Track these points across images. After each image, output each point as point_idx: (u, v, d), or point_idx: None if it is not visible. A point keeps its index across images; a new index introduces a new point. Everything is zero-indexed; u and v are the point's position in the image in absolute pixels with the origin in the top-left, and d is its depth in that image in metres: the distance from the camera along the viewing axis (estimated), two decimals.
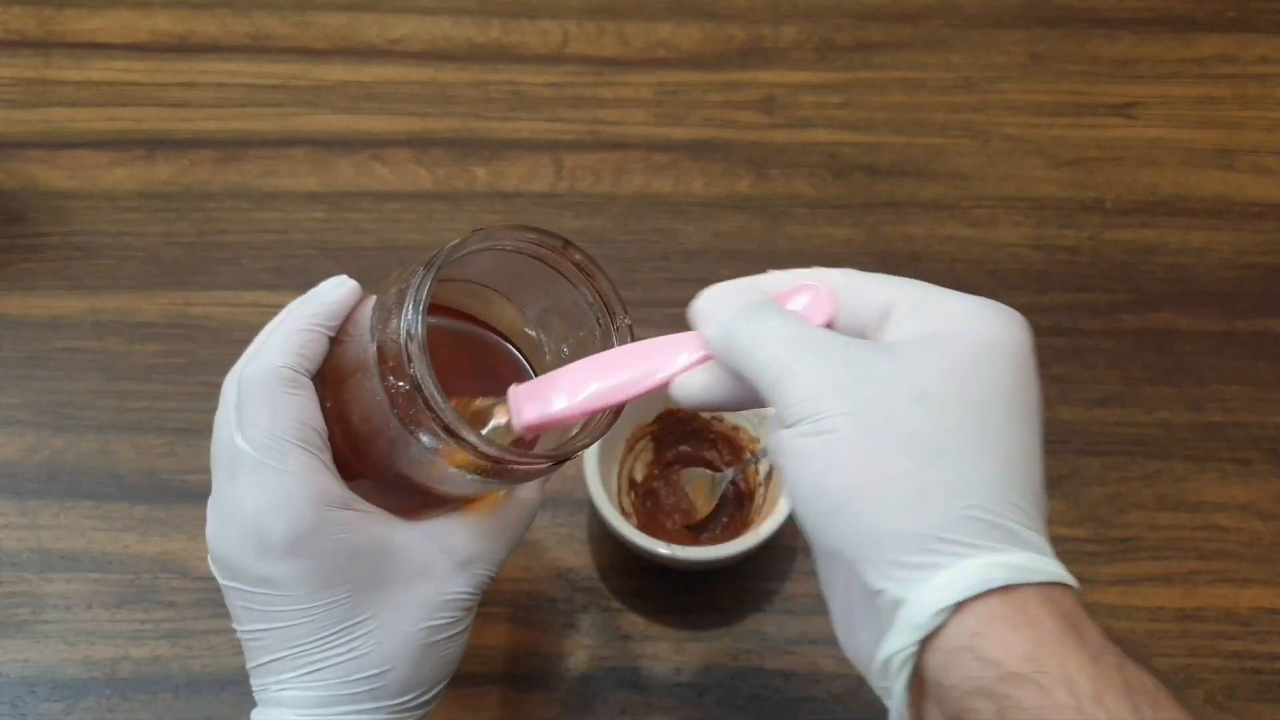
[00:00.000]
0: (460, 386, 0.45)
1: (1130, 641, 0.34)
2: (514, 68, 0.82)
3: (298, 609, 0.43)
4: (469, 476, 0.43)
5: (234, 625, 0.45)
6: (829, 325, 0.39)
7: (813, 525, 0.36)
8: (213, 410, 0.66)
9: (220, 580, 0.45)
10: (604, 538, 0.64)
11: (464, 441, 0.40)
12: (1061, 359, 0.71)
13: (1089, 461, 0.67)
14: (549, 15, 0.84)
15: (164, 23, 0.82)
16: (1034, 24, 0.85)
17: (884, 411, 0.35)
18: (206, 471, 0.65)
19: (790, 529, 0.64)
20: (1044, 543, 0.35)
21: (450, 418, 0.40)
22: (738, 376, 0.39)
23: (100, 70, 0.80)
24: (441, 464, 0.42)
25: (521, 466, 0.42)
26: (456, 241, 0.42)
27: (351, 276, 0.48)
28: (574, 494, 0.65)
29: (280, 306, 0.73)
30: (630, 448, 0.64)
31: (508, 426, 0.43)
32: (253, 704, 0.59)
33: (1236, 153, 0.80)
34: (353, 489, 0.44)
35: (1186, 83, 0.83)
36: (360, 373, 0.43)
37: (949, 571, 0.34)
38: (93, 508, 0.64)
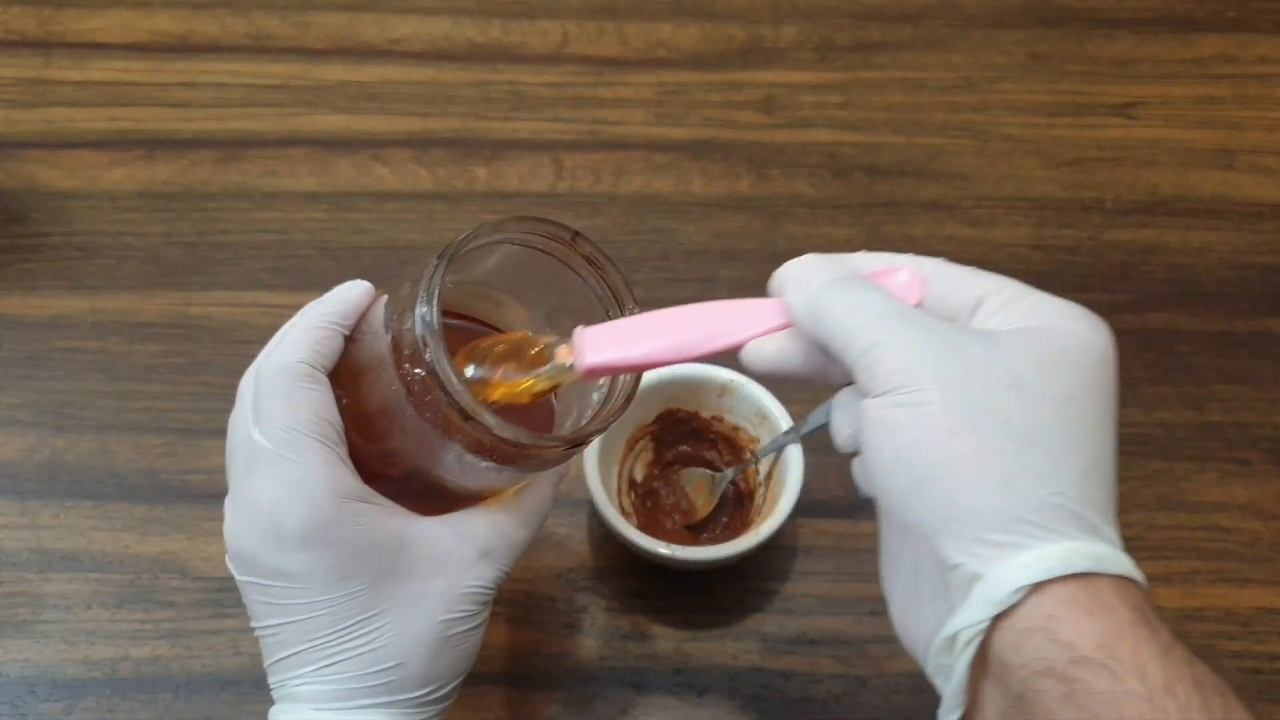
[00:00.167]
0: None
1: (1204, 646, 0.34)
2: (514, 68, 0.82)
3: (315, 601, 0.43)
4: (484, 465, 0.43)
5: (251, 622, 0.45)
6: (918, 307, 0.39)
7: (893, 496, 0.37)
8: (212, 410, 0.67)
9: (238, 576, 0.45)
10: (604, 538, 0.64)
11: (481, 424, 0.41)
12: None
13: None
14: (549, 15, 0.84)
15: (164, 23, 0.82)
16: (1034, 24, 0.85)
17: (979, 392, 0.36)
18: (206, 471, 0.65)
19: (790, 529, 0.64)
20: (1118, 538, 0.36)
21: (467, 401, 0.40)
22: (816, 347, 0.40)
23: (100, 70, 0.80)
24: (458, 453, 0.43)
25: (536, 450, 0.42)
26: (469, 233, 0.42)
27: (352, 276, 0.48)
28: (574, 494, 0.65)
29: (280, 306, 0.74)
30: (630, 448, 0.64)
31: (570, 368, 0.43)
32: (253, 704, 0.59)
33: (1236, 153, 0.80)
34: None
35: (1186, 83, 0.83)
36: (376, 367, 0.44)
37: (1031, 553, 0.34)
38: (93, 508, 0.64)
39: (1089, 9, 0.86)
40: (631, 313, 0.45)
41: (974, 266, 0.41)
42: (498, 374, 0.44)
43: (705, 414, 0.65)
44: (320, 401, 0.44)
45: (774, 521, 0.58)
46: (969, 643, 0.35)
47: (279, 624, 0.44)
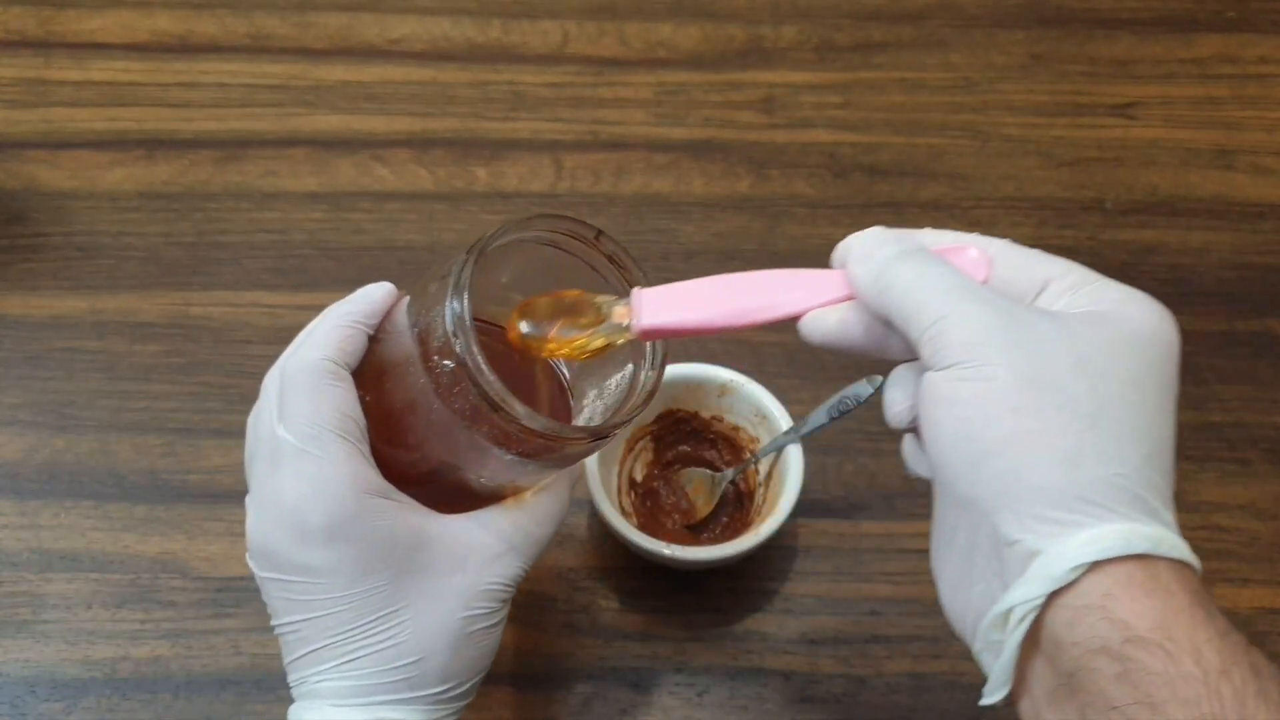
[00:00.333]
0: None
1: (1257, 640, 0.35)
2: (514, 68, 0.82)
3: (337, 596, 0.43)
4: (508, 459, 0.43)
5: (271, 620, 0.45)
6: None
7: (953, 471, 0.37)
8: (212, 410, 0.67)
9: (259, 574, 0.45)
10: (604, 538, 0.64)
11: (510, 414, 0.41)
12: None
13: None
14: (549, 15, 0.84)
15: (164, 23, 0.83)
16: (1034, 24, 0.85)
17: (1045, 370, 0.36)
18: (206, 471, 0.65)
19: (790, 529, 0.64)
20: (1175, 524, 0.36)
21: (498, 390, 0.41)
22: (877, 321, 0.40)
23: (100, 70, 0.80)
24: (483, 446, 0.43)
25: (562, 442, 0.43)
26: (497, 229, 0.43)
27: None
28: (574, 494, 0.65)
29: (280, 306, 0.74)
30: (630, 448, 0.64)
31: (626, 328, 0.43)
32: (253, 704, 0.59)
33: (1236, 153, 0.80)
34: None
35: (1186, 83, 0.83)
36: (401, 364, 0.44)
37: (1091, 531, 0.34)
38: (93, 508, 0.64)
39: (1089, 9, 0.86)
40: None
41: (1039, 249, 0.41)
42: (553, 330, 0.44)
43: (705, 414, 0.65)
44: (345, 398, 0.44)
45: (774, 521, 0.58)
46: (1023, 619, 0.35)
47: (300, 620, 0.44)
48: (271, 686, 0.59)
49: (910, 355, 0.40)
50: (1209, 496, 0.67)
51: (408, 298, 0.46)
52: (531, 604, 0.62)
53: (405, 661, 0.44)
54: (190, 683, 0.59)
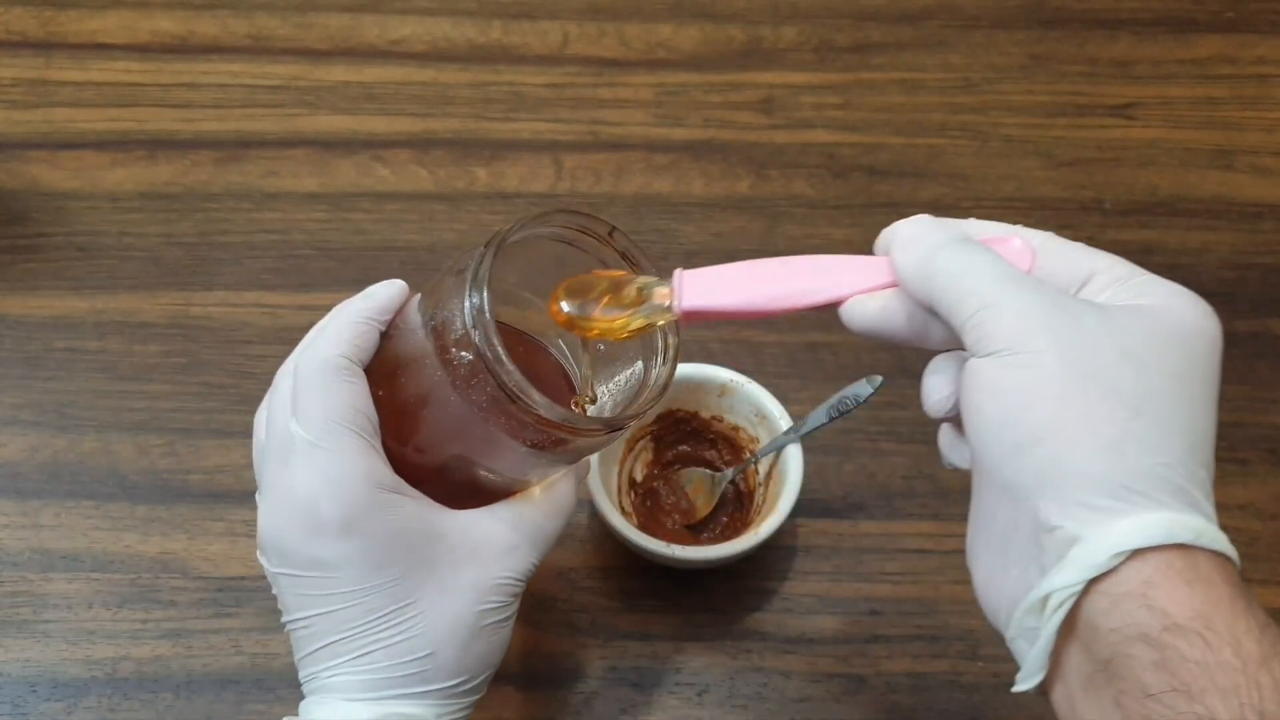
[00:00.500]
0: None
1: None
2: (514, 69, 0.82)
3: (350, 590, 0.43)
4: (522, 452, 0.44)
5: (283, 616, 0.46)
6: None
7: (996, 456, 0.37)
8: (213, 410, 0.67)
9: (270, 569, 0.45)
10: (604, 538, 0.64)
11: (529, 405, 0.41)
12: None
13: None
14: (549, 16, 0.84)
15: (165, 23, 0.83)
16: (1033, 25, 0.85)
17: (1091, 358, 0.36)
18: (207, 471, 0.65)
19: (790, 528, 0.64)
20: (1215, 516, 0.36)
21: (518, 381, 0.41)
22: (920, 308, 0.40)
23: (101, 71, 0.80)
24: (498, 439, 0.43)
25: (578, 433, 0.43)
26: (514, 224, 0.43)
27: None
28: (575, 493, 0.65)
29: (281, 306, 0.74)
30: (630, 447, 0.65)
31: (667, 309, 0.43)
32: (254, 704, 0.59)
33: (1235, 153, 0.80)
34: None
35: (1185, 83, 0.83)
36: (415, 359, 0.44)
37: (1133, 519, 0.34)
38: (94, 507, 0.64)
39: (1088, 10, 0.86)
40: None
41: (1082, 243, 0.41)
42: (596, 310, 0.44)
43: (705, 414, 0.65)
44: (358, 394, 0.44)
45: (774, 521, 0.59)
46: (1061, 604, 0.35)
47: (313, 615, 0.44)
48: (272, 686, 0.59)
49: (950, 345, 0.40)
50: None
51: (419, 295, 0.46)
52: (531, 604, 0.62)
53: (418, 655, 0.44)
54: (191, 682, 0.59)
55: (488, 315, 0.41)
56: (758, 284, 0.42)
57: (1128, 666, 0.34)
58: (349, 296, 0.47)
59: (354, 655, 0.44)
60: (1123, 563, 0.34)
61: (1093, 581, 0.35)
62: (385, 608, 0.44)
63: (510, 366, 0.41)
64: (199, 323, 0.71)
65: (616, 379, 0.49)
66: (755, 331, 0.71)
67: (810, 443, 0.62)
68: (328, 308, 0.47)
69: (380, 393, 0.45)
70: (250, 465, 0.48)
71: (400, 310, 0.47)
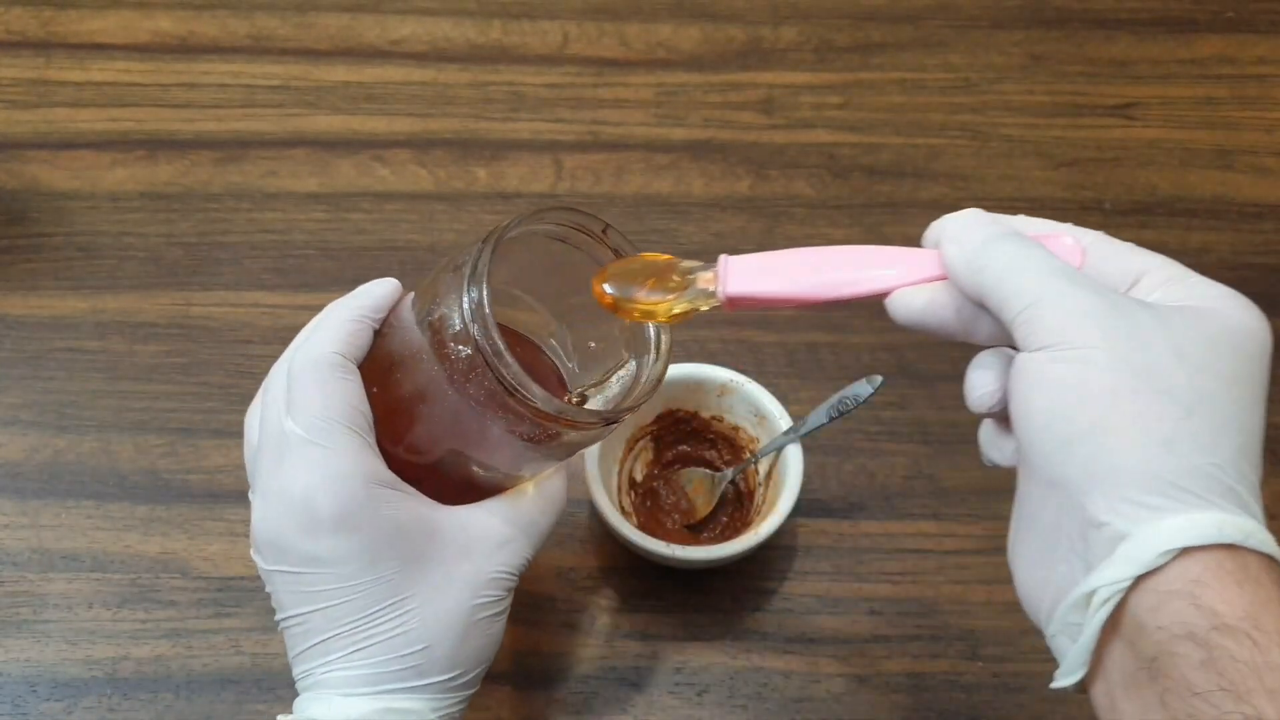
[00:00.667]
0: None
1: None
2: (514, 69, 0.82)
3: (346, 586, 0.44)
4: (518, 446, 0.44)
5: (277, 614, 0.46)
6: None
7: (1044, 451, 0.37)
8: (213, 410, 0.67)
9: (265, 568, 0.45)
10: (604, 538, 0.64)
11: (527, 398, 0.42)
12: None
13: None
14: (549, 16, 0.84)
15: (165, 24, 0.83)
16: (1033, 25, 0.85)
17: (1144, 356, 0.36)
18: (207, 471, 0.65)
19: (789, 528, 0.64)
20: (1263, 518, 0.36)
21: (516, 373, 0.41)
22: (968, 303, 0.40)
23: (101, 71, 0.80)
24: (494, 433, 0.44)
25: (574, 425, 0.44)
26: (511, 220, 0.44)
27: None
28: (574, 494, 0.65)
29: (281, 307, 0.74)
30: (630, 448, 0.65)
31: (711, 294, 0.43)
32: (254, 703, 0.59)
33: (1235, 153, 0.80)
34: None
35: (1185, 83, 0.83)
36: (410, 356, 0.45)
37: (1182, 518, 0.34)
38: (94, 507, 0.64)
39: (1088, 10, 0.86)
40: None
41: (1132, 243, 0.41)
42: (639, 293, 0.44)
43: (705, 414, 0.65)
44: (353, 391, 0.45)
45: (773, 521, 0.59)
46: (1106, 601, 0.35)
47: (308, 611, 0.44)
48: (272, 686, 0.59)
49: (996, 341, 0.40)
50: None
51: (412, 293, 0.46)
52: (531, 604, 0.62)
53: (413, 650, 0.44)
54: (191, 682, 0.59)
55: (487, 309, 0.41)
56: (804, 271, 0.42)
57: (1174, 665, 0.34)
58: (351, 292, 0.48)
59: (349, 650, 0.44)
60: (1171, 561, 0.34)
61: (1140, 578, 0.34)
62: (381, 603, 0.44)
63: (510, 359, 0.41)
64: (199, 323, 0.71)
65: (608, 376, 0.50)
66: (755, 331, 0.71)
67: (810, 443, 0.62)
68: (330, 304, 0.48)
69: (375, 390, 0.46)
70: None
71: (394, 308, 0.47)
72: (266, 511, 0.45)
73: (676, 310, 0.44)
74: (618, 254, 0.46)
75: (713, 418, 0.65)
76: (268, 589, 0.46)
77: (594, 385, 0.50)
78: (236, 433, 0.66)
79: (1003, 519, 0.65)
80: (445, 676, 0.45)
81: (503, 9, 0.84)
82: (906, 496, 0.66)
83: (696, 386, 0.64)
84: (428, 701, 0.45)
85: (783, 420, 0.62)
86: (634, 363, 0.48)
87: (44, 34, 0.82)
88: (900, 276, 0.41)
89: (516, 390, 0.42)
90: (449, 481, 0.47)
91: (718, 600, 0.63)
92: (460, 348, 0.42)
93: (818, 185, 0.77)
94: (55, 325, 0.70)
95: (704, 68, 0.82)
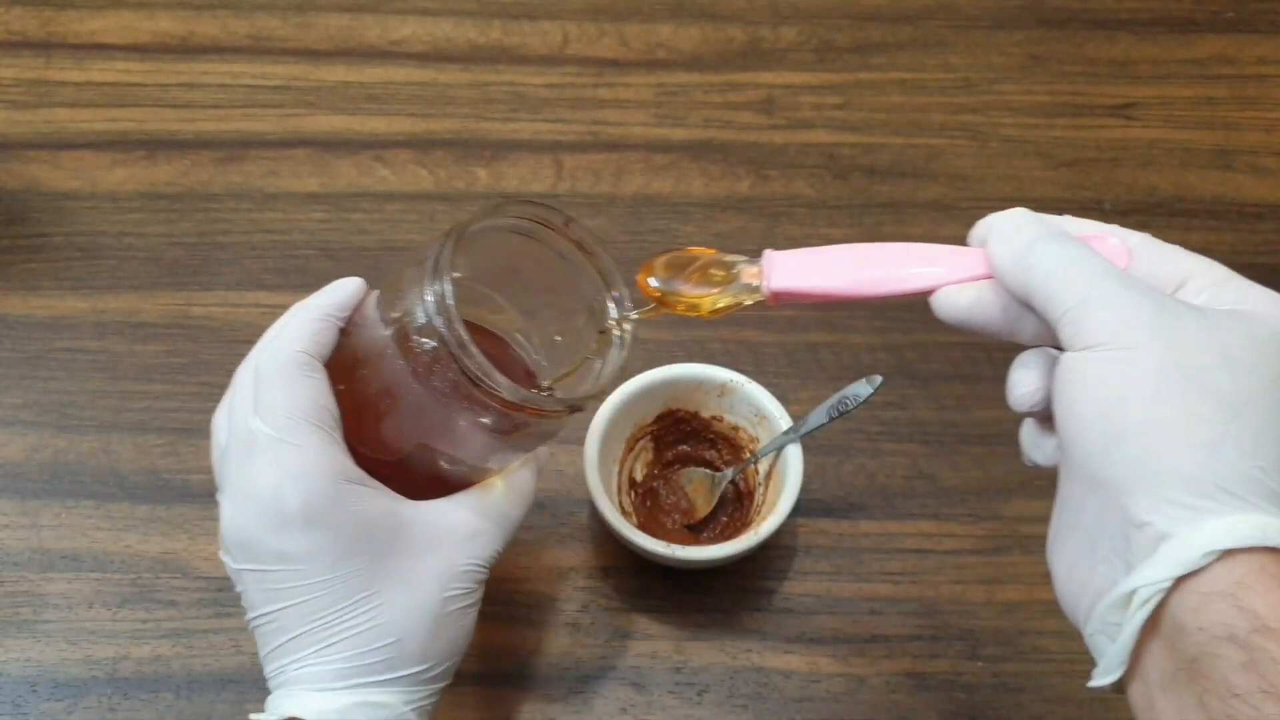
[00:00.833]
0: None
1: None
2: (514, 69, 0.82)
3: (316, 581, 0.44)
4: (484, 437, 0.45)
5: (248, 614, 0.46)
6: None
7: (1087, 450, 0.37)
8: (213, 410, 0.67)
9: (234, 567, 0.46)
10: (604, 537, 0.64)
11: (492, 388, 0.42)
12: None
13: None
14: (549, 17, 0.84)
15: (165, 24, 0.83)
16: (1033, 25, 0.85)
17: (1190, 357, 0.36)
18: (208, 471, 0.65)
19: (789, 528, 0.64)
20: None
21: (481, 364, 0.42)
22: (1013, 302, 0.40)
23: (102, 71, 0.80)
24: (460, 424, 0.44)
25: (541, 414, 0.44)
26: (473, 215, 0.44)
27: (354, 276, 0.49)
28: (574, 494, 0.65)
29: (282, 307, 0.73)
30: (630, 447, 0.65)
31: (755, 288, 0.43)
32: (254, 703, 0.58)
33: (1235, 153, 0.80)
34: None
35: (1185, 83, 0.83)
36: (376, 352, 0.45)
37: (1226, 519, 0.34)
38: (94, 507, 0.64)
39: (1088, 10, 0.86)
40: (622, 292, 0.47)
41: (1178, 245, 0.41)
42: (684, 286, 0.44)
43: (705, 414, 0.65)
44: (319, 389, 0.45)
45: (773, 521, 0.59)
46: (1146, 601, 0.35)
47: (278, 609, 0.44)
48: None
49: (1040, 340, 0.40)
50: None
51: (377, 291, 0.47)
52: (532, 604, 0.62)
53: (384, 643, 0.45)
54: (191, 682, 0.59)
55: (450, 301, 0.42)
56: (849, 268, 0.42)
57: (1214, 666, 0.34)
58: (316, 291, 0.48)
59: (321, 646, 0.44)
60: (1213, 562, 0.34)
61: (1181, 579, 0.34)
62: (351, 597, 0.44)
63: (474, 350, 0.42)
64: (199, 323, 0.71)
65: (575, 369, 0.50)
66: (755, 331, 0.71)
67: (810, 442, 0.62)
68: (295, 304, 0.48)
69: (341, 388, 0.46)
70: None
71: (359, 307, 0.48)
72: (235, 510, 0.45)
73: (721, 304, 0.44)
74: (580, 246, 0.47)
75: (713, 418, 0.65)
76: (237, 589, 0.46)
77: (562, 377, 0.50)
78: None
79: (1003, 519, 0.65)
80: (417, 669, 0.46)
81: (503, 9, 0.84)
82: (906, 496, 0.66)
83: (696, 386, 0.64)
84: (400, 694, 0.45)
85: (783, 420, 0.62)
86: (599, 353, 0.48)
87: (44, 34, 0.82)
88: (946, 274, 0.41)
89: (481, 380, 0.42)
90: (418, 477, 0.47)
91: (718, 600, 0.63)
92: (424, 341, 0.43)
93: (818, 185, 0.78)
94: (56, 325, 0.70)
95: (704, 68, 0.82)
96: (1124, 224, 0.76)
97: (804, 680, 0.61)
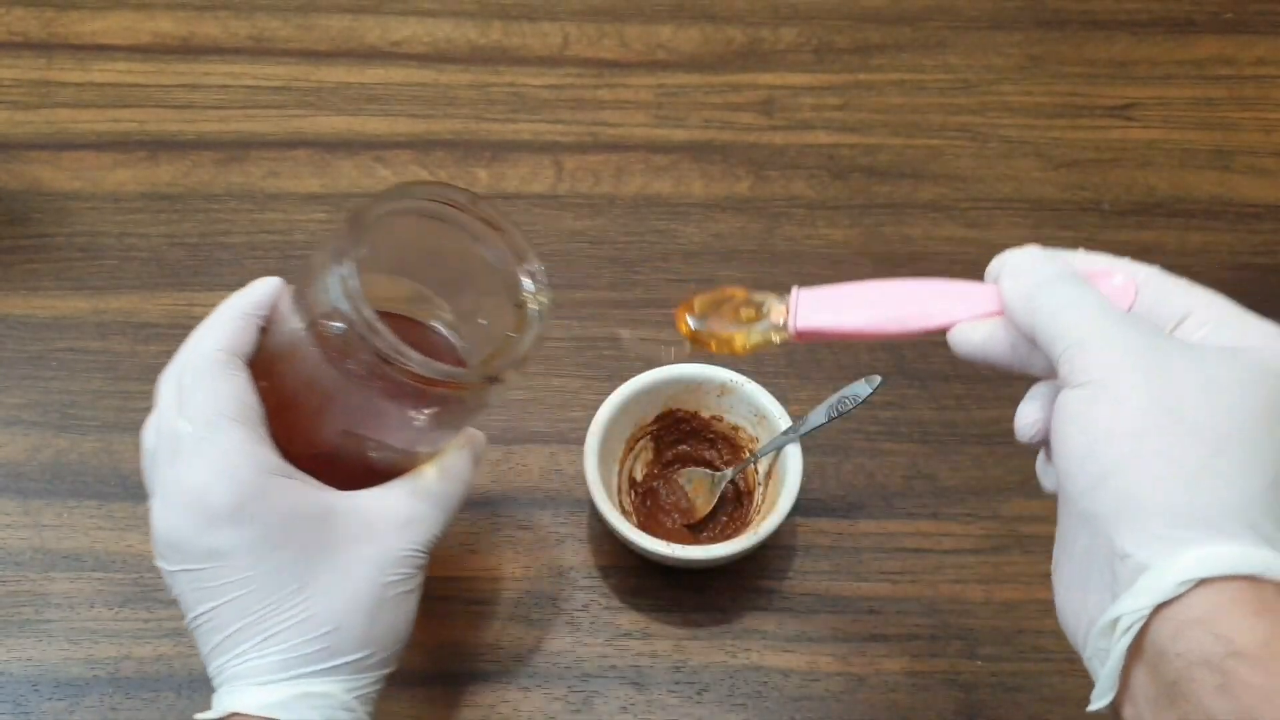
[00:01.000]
0: None
1: None
2: (515, 70, 0.82)
3: (247, 576, 0.44)
4: (408, 416, 0.45)
5: (185, 616, 0.46)
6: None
7: (1078, 485, 0.38)
8: None
9: (167, 570, 0.46)
10: (604, 537, 0.64)
11: (404, 363, 0.42)
12: None
13: None
14: (549, 17, 0.84)
15: (166, 24, 0.83)
16: (1032, 26, 0.85)
17: (1174, 395, 0.38)
18: None
19: (789, 528, 0.64)
20: None
21: (390, 342, 0.42)
22: (1022, 339, 0.42)
23: (103, 72, 0.81)
24: (381, 406, 0.44)
25: (458, 386, 0.44)
26: (372, 198, 0.44)
27: (272, 276, 0.50)
28: (574, 493, 0.65)
29: None
30: (630, 447, 0.65)
31: (783, 326, 0.45)
32: None
33: (1233, 154, 0.80)
34: None
35: (1184, 84, 0.83)
36: (293, 345, 0.45)
37: (1202, 550, 0.36)
38: (96, 507, 0.64)
39: (1087, 11, 0.86)
40: (535, 266, 0.47)
41: (1186, 279, 0.43)
42: (716, 326, 0.46)
43: (705, 413, 0.65)
44: (241, 386, 0.46)
45: (773, 520, 0.59)
46: (1129, 628, 0.36)
47: (213, 606, 0.45)
48: None
49: (1052, 374, 0.42)
50: None
51: (294, 287, 0.47)
52: (532, 602, 0.62)
53: (320, 632, 0.45)
54: (193, 681, 0.60)
55: (354, 283, 0.42)
56: (871, 306, 0.44)
57: (1192, 690, 0.35)
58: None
59: (258, 640, 0.45)
60: (1189, 591, 0.35)
61: (1160, 607, 0.36)
62: (283, 589, 0.45)
63: (381, 327, 0.42)
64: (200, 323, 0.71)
65: (499, 349, 0.49)
66: None
67: (809, 442, 0.62)
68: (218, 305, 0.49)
69: (265, 384, 0.46)
70: None
71: (278, 304, 0.48)
72: (164, 511, 0.45)
73: (751, 342, 0.46)
74: (489, 224, 0.47)
75: (713, 417, 0.65)
76: (174, 593, 0.46)
77: (490, 358, 0.49)
78: None
79: (1001, 519, 0.65)
80: (357, 656, 0.46)
81: (503, 10, 0.85)
82: (905, 496, 0.66)
83: (696, 386, 0.64)
84: (342, 683, 0.46)
85: (782, 420, 0.62)
86: (519, 329, 0.48)
87: (46, 35, 0.82)
88: (962, 311, 0.43)
89: (393, 358, 0.42)
90: (353, 468, 0.47)
91: (718, 600, 0.63)
92: (334, 325, 0.43)
93: (817, 186, 0.78)
94: (57, 325, 0.70)
95: (704, 69, 0.82)
96: (1123, 224, 0.77)
97: (803, 679, 0.61)
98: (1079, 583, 0.39)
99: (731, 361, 0.66)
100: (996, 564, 0.64)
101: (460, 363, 0.51)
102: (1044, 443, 0.42)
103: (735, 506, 0.65)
